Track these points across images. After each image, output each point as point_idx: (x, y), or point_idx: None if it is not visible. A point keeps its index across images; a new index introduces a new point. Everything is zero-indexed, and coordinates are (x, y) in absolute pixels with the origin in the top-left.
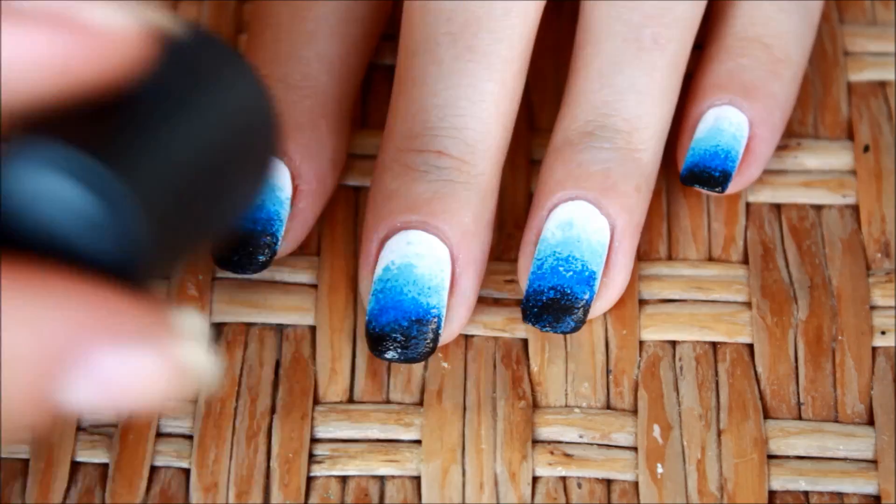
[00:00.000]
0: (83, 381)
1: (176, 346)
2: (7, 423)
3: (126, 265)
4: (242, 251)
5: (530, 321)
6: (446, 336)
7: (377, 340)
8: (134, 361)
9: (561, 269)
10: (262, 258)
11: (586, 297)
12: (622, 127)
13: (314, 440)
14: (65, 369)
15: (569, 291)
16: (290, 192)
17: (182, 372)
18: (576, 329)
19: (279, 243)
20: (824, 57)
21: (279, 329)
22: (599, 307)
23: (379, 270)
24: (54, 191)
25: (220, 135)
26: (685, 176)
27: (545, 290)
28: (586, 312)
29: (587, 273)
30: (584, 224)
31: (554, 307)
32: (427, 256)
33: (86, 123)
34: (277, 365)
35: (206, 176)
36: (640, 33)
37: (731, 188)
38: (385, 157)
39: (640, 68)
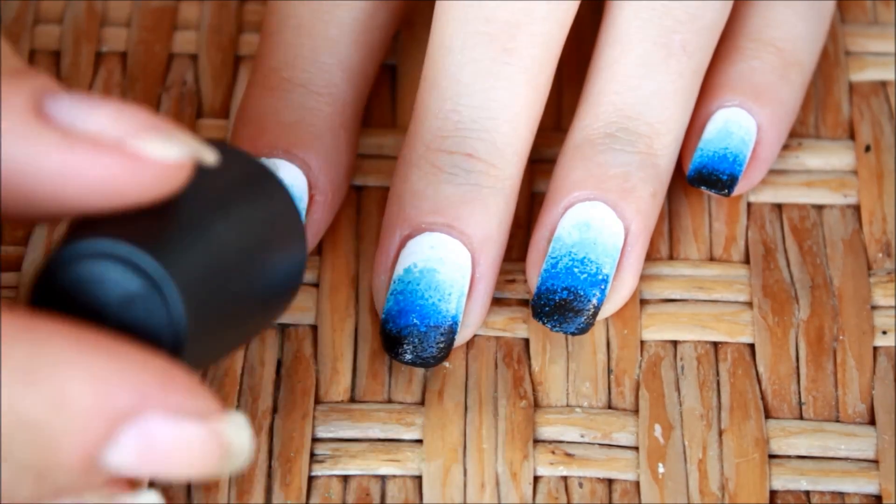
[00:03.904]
0: (130, 444)
1: (221, 425)
2: (53, 477)
3: (172, 340)
4: None
5: (540, 319)
6: (460, 339)
7: (393, 342)
8: (182, 432)
9: (576, 270)
10: None
11: (597, 299)
12: (645, 131)
13: (315, 440)
14: (118, 429)
15: (581, 293)
16: (306, 201)
17: (223, 450)
18: (584, 330)
19: None
20: (825, 57)
21: (280, 328)
22: (607, 309)
23: (399, 270)
24: (105, 274)
25: (252, 234)
26: (692, 177)
27: (558, 290)
28: (596, 315)
29: (601, 276)
30: (601, 226)
31: (565, 308)
32: (449, 262)
33: (131, 222)
34: (279, 364)
35: (243, 269)
36: (670, 39)
37: (735, 191)
38: (412, 154)
39: (667, 74)
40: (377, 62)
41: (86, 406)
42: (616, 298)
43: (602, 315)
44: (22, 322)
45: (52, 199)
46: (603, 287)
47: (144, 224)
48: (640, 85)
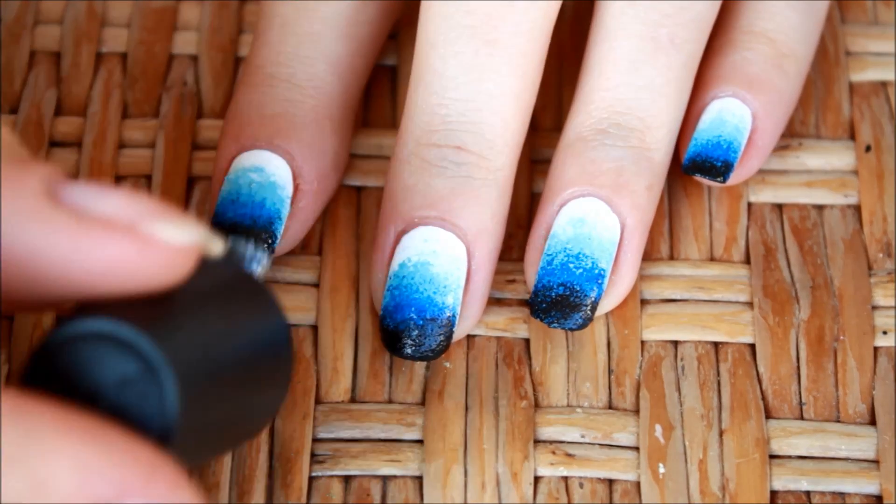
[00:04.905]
0: None
1: None
2: None
3: (162, 428)
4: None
5: (538, 316)
6: (459, 332)
7: (392, 337)
8: None
9: (571, 265)
10: None
11: (595, 294)
12: (636, 125)
13: (316, 440)
14: None
15: (578, 288)
16: (291, 190)
17: None
18: (583, 326)
19: (277, 241)
20: (826, 57)
21: None
22: (607, 304)
23: (395, 266)
24: (102, 355)
25: (245, 340)
26: (687, 165)
27: (554, 287)
28: (594, 309)
29: (597, 271)
30: (596, 222)
31: (563, 303)
32: (443, 254)
33: (133, 306)
34: None
35: (236, 367)
36: (657, 32)
37: (732, 180)
38: (403, 150)
39: (656, 67)
40: (368, 57)
41: (67, 493)
42: (615, 293)
43: (601, 310)
44: (13, 404)
45: (60, 283)
46: (600, 282)
47: (145, 310)
48: (630, 80)
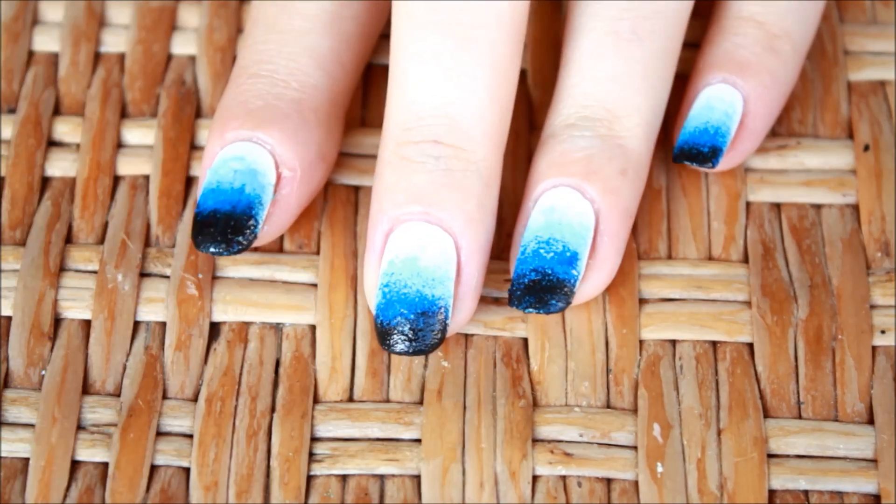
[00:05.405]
0: None
1: None
2: None
3: None
4: (221, 232)
5: (514, 304)
6: (455, 326)
7: (385, 334)
8: None
9: (542, 251)
10: (241, 239)
11: (568, 277)
12: (602, 115)
13: (314, 439)
14: None
15: (550, 272)
16: (273, 177)
17: None
18: (561, 310)
19: (259, 227)
20: (824, 56)
21: (279, 328)
22: (588, 290)
23: (384, 265)
24: None
25: None
26: (676, 154)
27: (527, 273)
28: (571, 293)
29: (569, 254)
30: (566, 208)
31: (535, 288)
32: (430, 248)
33: None
34: (277, 364)
35: None
36: (617, 26)
37: (726, 163)
38: (384, 151)
39: (618, 58)
40: (358, 52)
41: None
42: (595, 279)
43: (584, 296)
44: None
45: None
46: (573, 264)
47: None
48: (594, 75)
